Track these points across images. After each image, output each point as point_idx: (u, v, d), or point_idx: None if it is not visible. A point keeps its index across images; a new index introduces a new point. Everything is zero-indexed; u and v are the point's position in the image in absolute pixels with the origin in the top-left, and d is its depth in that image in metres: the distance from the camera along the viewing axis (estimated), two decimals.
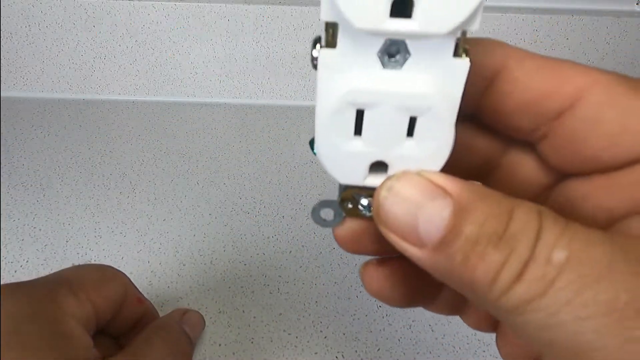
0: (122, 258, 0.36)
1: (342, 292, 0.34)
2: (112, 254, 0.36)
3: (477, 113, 0.16)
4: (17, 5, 0.51)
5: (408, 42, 0.13)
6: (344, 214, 0.17)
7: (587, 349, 0.11)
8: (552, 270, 0.12)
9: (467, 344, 0.30)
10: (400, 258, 0.16)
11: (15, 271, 0.34)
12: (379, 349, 0.30)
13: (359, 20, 0.12)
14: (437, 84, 0.13)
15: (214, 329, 0.31)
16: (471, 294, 0.13)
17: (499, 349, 0.18)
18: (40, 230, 0.38)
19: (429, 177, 0.13)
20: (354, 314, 0.32)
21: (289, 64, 0.55)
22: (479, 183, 0.13)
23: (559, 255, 0.12)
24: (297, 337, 0.31)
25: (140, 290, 0.27)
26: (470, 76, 0.13)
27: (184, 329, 0.26)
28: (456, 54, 0.13)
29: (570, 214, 0.15)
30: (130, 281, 0.26)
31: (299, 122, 0.54)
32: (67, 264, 0.26)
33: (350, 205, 0.16)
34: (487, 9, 0.55)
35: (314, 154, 0.15)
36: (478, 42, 0.14)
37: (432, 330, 0.31)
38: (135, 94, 0.56)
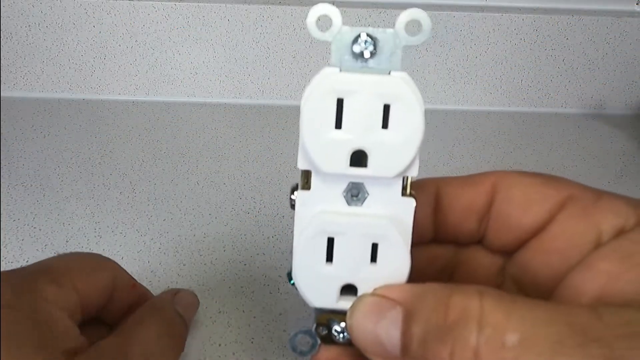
0: (122, 258, 0.36)
1: None
2: (112, 254, 0.36)
3: (433, 233, 0.20)
4: (17, 5, 0.51)
5: (366, 184, 0.16)
6: (319, 342, 0.18)
7: None
8: (509, 355, 0.12)
9: None
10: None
11: None
12: None
13: (327, 166, 0.16)
14: (391, 218, 0.16)
15: (213, 329, 0.31)
16: None
17: None
18: (40, 230, 0.38)
19: (381, 293, 0.15)
20: None
21: (289, 64, 0.55)
22: (431, 283, 0.15)
23: (512, 338, 0.12)
24: None
25: None
26: (418, 211, 0.17)
27: (177, 309, 0.25)
28: (404, 194, 0.16)
29: (527, 281, 0.18)
30: (121, 268, 0.25)
31: (299, 122, 0.54)
32: None
33: (324, 332, 0.18)
34: (488, 9, 0.55)
35: (292, 284, 0.18)
36: (418, 183, 0.18)
37: None
38: (135, 94, 0.56)
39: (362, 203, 0.16)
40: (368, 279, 0.16)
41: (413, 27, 0.15)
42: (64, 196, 0.41)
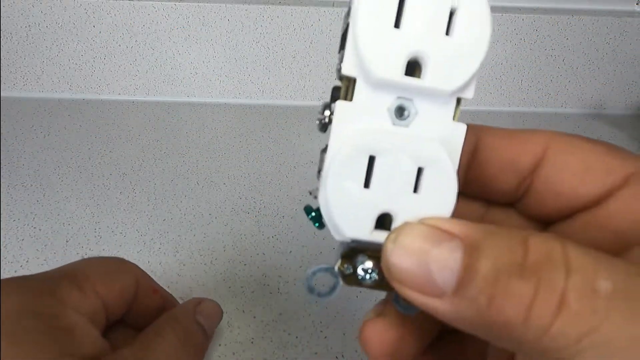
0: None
1: (342, 292, 0.34)
2: (112, 254, 0.36)
3: (463, 186, 0.17)
4: (17, 5, 0.51)
5: (416, 101, 0.14)
6: (341, 283, 0.16)
7: None
8: (601, 302, 0.11)
9: None
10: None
11: (15, 271, 0.34)
12: None
13: (381, 71, 0.14)
14: (441, 141, 0.14)
15: None
16: (504, 339, 0.12)
17: None
18: (40, 230, 0.38)
19: (433, 223, 0.13)
20: (354, 314, 0.32)
21: (289, 64, 0.55)
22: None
23: (606, 285, 0.11)
24: (297, 337, 0.31)
25: None
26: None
27: (198, 320, 0.25)
28: (454, 118, 0.15)
29: None
30: (144, 272, 0.25)
31: (299, 122, 0.54)
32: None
33: (349, 270, 0.16)
34: None
35: (310, 219, 0.16)
36: None
37: None
38: (135, 94, 0.56)
39: (408, 124, 0.15)
40: (409, 208, 0.14)
41: None
42: (64, 196, 0.41)
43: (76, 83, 0.55)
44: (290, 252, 0.37)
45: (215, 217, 0.40)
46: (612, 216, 0.15)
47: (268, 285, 0.35)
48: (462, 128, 0.15)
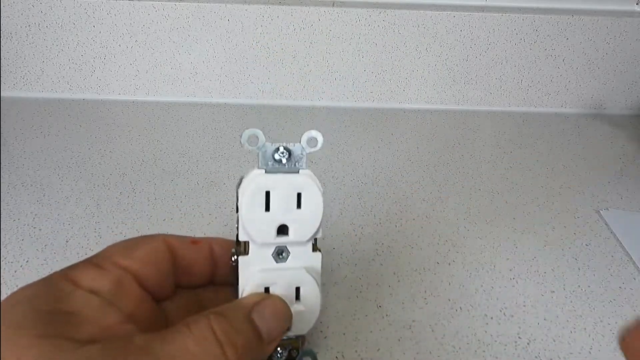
0: None
1: (342, 292, 0.34)
2: None
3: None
4: (17, 5, 0.51)
5: (288, 246, 0.23)
6: None
7: None
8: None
9: (467, 344, 0.30)
10: None
11: (15, 271, 0.34)
12: (379, 349, 0.30)
13: (261, 238, 0.22)
14: (307, 268, 0.23)
15: None
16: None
17: None
18: (40, 230, 0.38)
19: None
20: (354, 314, 0.32)
21: (289, 64, 0.55)
22: None
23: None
24: (297, 337, 0.31)
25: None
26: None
27: (252, 319, 0.21)
28: (314, 250, 0.24)
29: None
30: (175, 235, 0.24)
31: (299, 122, 0.54)
32: (67, 264, 0.26)
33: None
34: (488, 9, 0.55)
35: None
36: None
37: (432, 331, 0.31)
38: (135, 94, 0.56)
39: (285, 260, 0.23)
40: (295, 312, 0.23)
41: (312, 141, 0.22)
42: (64, 196, 0.41)
43: (76, 83, 0.55)
44: None
45: (215, 217, 0.40)
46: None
47: None
48: (318, 256, 0.24)
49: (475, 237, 0.38)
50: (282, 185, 0.22)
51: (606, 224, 0.40)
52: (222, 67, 0.55)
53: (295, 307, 0.23)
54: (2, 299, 0.20)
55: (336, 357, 0.30)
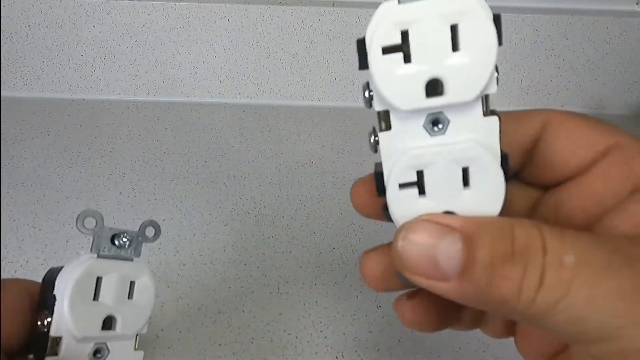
0: None
1: (342, 292, 0.34)
2: None
3: None
4: (17, 5, 0.51)
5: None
6: None
7: (613, 332, 0.13)
8: (567, 273, 0.14)
9: (467, 343, 0.30)
10: (425, 290, 0.17)
11: (15, 271, 0.34)
12: (379, 349, 0.30)
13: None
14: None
15: (213, 329, 0.31)
16: (500, 310, 0.15)
17: (519, 349, 0.20)
18: (40, 230, 0.38)
19: (434, 220, 0.15)
20: (354, 314, 0.32)
21: (289, 64, 0.55)
22: (486, 216, 0.16)
23: (569, 259, 0.14)
24: (297, 337, 0.31)
25: None
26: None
27: None
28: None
29: (555, 221, 0.19)
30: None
31: (299, 122, 0.54)
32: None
33: None
34: None
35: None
36: None
37: None
38: (135, 94, 0.56)
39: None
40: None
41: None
42: (64, 196, 0.41)
43: (76, 83, 0.55)
44: (290, 252, 0.37)
45: (215, 217, 0.40)
46: (592, 183, 0.18)
47: (268, 285, 0.35)
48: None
49: None
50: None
51: None
52: (222, 67, 0.55)
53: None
54: None
55: (336, 357, 0.30)
